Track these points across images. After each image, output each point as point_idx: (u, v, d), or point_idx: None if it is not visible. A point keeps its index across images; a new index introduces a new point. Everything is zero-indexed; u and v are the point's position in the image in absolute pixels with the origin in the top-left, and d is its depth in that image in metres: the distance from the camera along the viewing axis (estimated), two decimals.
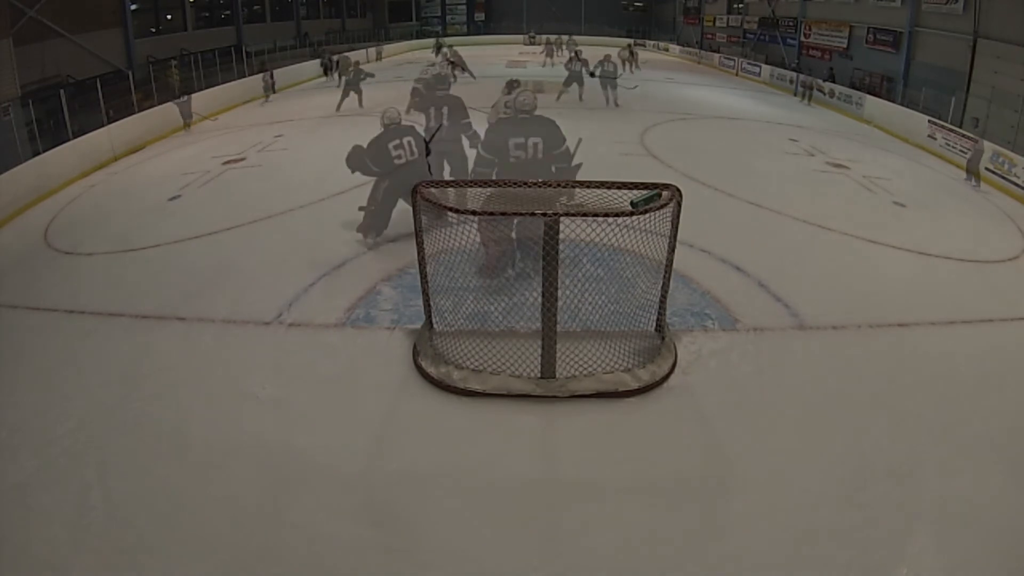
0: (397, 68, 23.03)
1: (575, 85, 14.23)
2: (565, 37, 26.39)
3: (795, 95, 17.18)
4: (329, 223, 6.89)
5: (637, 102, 14.54)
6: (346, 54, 19.31)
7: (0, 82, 11.86)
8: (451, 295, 4.70)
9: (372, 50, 26.88)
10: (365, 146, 5.98)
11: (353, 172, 6.10)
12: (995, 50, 13.05)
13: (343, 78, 14.83)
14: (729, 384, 4.20)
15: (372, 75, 14.89)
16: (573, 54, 15.38)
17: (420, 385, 4.13)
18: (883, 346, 4.75)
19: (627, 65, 21.68)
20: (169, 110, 12.71)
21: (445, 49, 19.45)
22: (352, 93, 13.94)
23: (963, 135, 10.98)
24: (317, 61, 20.58)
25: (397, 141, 5.86)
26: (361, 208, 6.25)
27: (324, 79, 19.08)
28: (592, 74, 14.09)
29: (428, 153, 6.13)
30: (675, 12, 33.38)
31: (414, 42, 32.27)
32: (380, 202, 6.03)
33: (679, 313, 4.97)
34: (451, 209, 4.26)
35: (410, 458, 3.54)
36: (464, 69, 16.48)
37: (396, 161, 5.83)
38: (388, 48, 29.01)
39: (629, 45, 24.40)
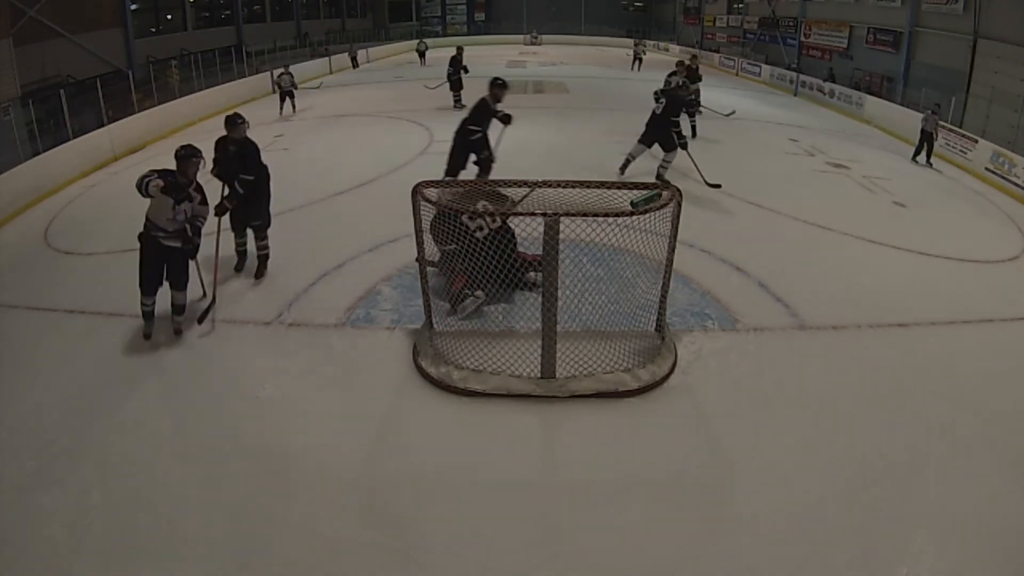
0: (397, 68, 23.10)
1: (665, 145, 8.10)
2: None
3: (917, 156, 10.72)
4: (329, 223, 6.90)
5: (638, 102, 14.51)
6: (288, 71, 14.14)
7: (0, 82, 11.87)
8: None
9: (339, 56, 23.18)
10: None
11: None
12: (995, 50, 13.06)
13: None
14: (729, 384, 4.20)
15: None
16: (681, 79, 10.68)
17: (420, 385, 4.13)
18: (883, 346, 4.75)
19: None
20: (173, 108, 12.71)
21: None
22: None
23: (963, 135, 10.98)
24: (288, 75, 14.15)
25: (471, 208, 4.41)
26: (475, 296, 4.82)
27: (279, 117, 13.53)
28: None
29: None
30: (675, 12, 33.44)
31: (403, 43, 30.07)
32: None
33: (679, 313, 4.97)
34: (454, 209, 4.27)
35: (410, 458, 3.54)
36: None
37: (476, 234, 4.53)
38: (375, 51, 26.91)
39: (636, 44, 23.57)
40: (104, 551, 2.93)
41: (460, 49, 14.26)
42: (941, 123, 11.80)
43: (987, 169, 9.92)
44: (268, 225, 5.75)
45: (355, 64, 23.86)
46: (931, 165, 10.47)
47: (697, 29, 30.12)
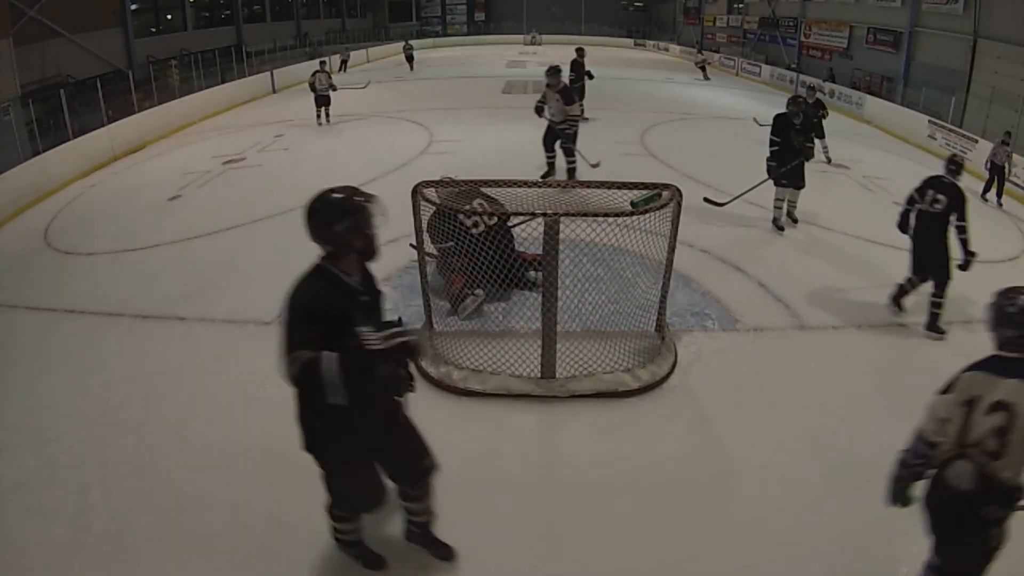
0: (397, 68, 23.09)
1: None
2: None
3: (983, 193, 9.03)
4: None
5: (638, 102, 14.53)
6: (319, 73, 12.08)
7: (0, 82, 11.87)
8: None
9: (335, 57, 22.01)
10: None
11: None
12: (995, 50, 13.07)
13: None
14: (729, 384, 4.20)
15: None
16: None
17: (420, 385, 4.11)
18: (883, 346, 4.74)
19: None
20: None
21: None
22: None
23: (963, 135, 10.98)
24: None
25: (468, 207, 4.49)
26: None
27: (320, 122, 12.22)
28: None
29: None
30: (675, 12, 33.45)
31: (402, 44, 29.24)
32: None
33: (679, 313, 4.96)
34: (455, 210, 4.27)
35: None
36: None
37: (473, 231, 4.55)
38: (374, 51, 26.77)
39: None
40: (104, 551, 2.93)
41: (581, 51, 11.47)
42: (934, 120, 11.72)
43: (987, 169, 9.91)
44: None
45: (343, 68, 22.27)
46: (1001, 205, 8.80)
47: (697, 29, 30.13)
